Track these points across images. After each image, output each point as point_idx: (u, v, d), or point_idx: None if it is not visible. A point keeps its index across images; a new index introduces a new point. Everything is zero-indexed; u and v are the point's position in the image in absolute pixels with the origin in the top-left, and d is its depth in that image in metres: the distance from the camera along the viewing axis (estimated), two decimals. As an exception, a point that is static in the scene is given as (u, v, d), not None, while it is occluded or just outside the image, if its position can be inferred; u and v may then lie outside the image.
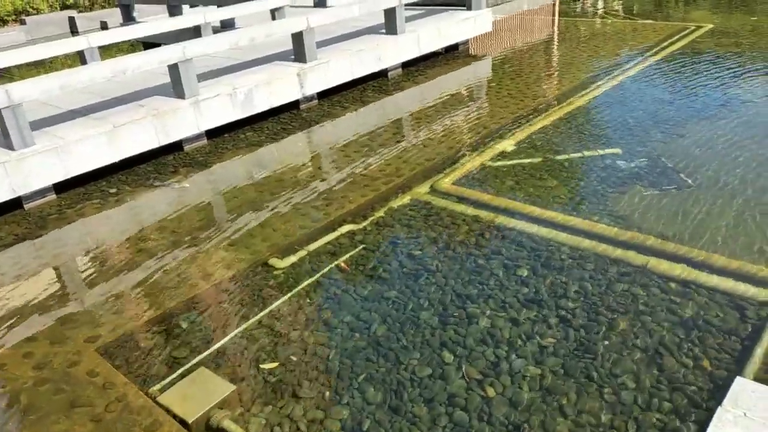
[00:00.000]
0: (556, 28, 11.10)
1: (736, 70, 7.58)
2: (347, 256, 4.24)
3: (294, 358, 3.33)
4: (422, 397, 3.01)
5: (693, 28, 9.98)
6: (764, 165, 4.98)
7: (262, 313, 3.71)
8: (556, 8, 12.76)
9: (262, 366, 3.28)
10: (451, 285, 3.83)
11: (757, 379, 2.87)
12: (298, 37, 7.16)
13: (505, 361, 3.18)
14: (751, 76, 7.28)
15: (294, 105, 7.36)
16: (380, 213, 4.80)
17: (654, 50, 8.75)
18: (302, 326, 3.59)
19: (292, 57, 7.38)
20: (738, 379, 2.51)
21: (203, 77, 6.82)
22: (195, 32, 8.67)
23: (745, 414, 2.25)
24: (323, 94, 7.66)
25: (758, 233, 4.05)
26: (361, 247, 4.35)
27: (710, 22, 10.29)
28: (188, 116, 6.16)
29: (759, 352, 3.00)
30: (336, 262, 4.17)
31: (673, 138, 5.67)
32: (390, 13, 8.07)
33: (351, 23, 9.08)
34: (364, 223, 4.66)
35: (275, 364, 3.29)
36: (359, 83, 8.10)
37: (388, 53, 8.06)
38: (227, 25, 9.88)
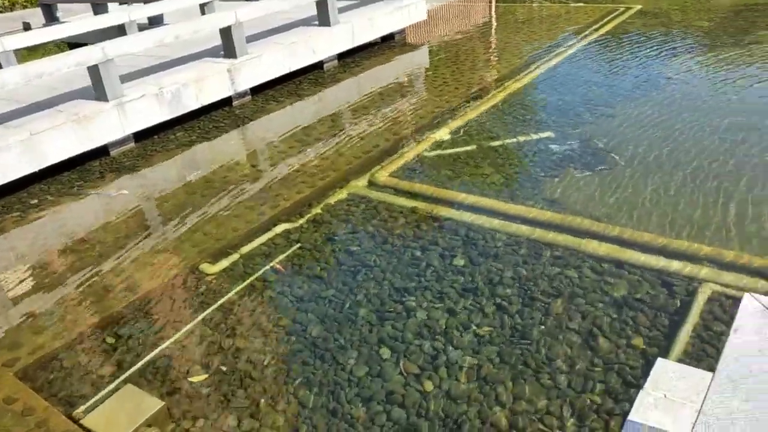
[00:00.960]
0: (493, 14, 11.16)
1: (661, 48, 7.77)
2: (282, 256, 4.13)
3: (224, 368, 3.21)
4: (360, 397, 2.95)
5: (623, 9, 10.19)
6: (685, 139, 5.11)
7: (192, 323, 3.57)
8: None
9: (192, 379, 3.15)
10: (389, 279, 3.77)
11: (688, 353, 2.94)
12: (226, 32, 6.94)
13: (443, 353, 3.15)
14: (675, 54, 7.47)
15: (226, 102, 7.15)
16: (317, 209, 4.70)
17: (585, 33, 8.89)
18: (235, 333, 3.47)
19: (222, 53, 7.16)
20: (659, 361, 2.55)
21: (128, 78, 6.53)
22: (120, 31, 8.32)
23: (665, 395, 2.27)
24: (257, 90, 7.47)
25: (687, 209, 4.14)
26: (296, 246, 4.25)
27: (639, 3, 10.52)
28: (112, 119, 5.89)
29: (687, 328, 3.06)
30: (271, 264, 4.06)
31: (603, 118, 5.76)
32: (322, 5, 7.92)
33: (284, 16, 8.87)
34: (300, 221, 4.56)
35: (205, 376, 3.17)
36: (294, 77, 7.94)
37: (322, 45, 7.92)
38: (156, 21, 9.52)
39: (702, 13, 9.58)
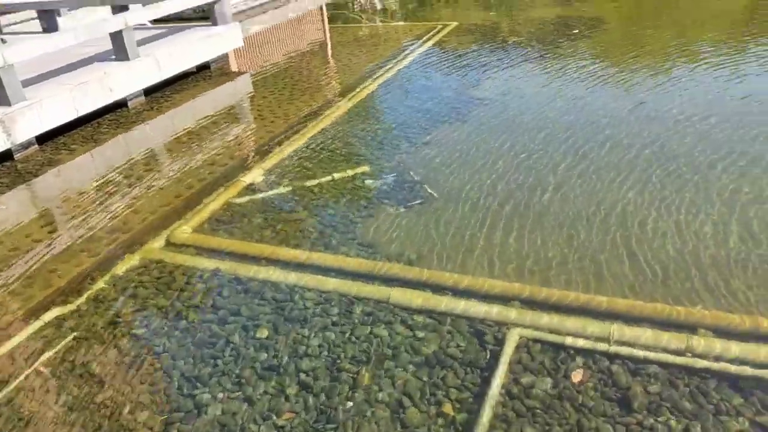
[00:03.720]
0: (318, 37, 10.93)
1: (474, 66, 7.94)
2: (51, 353, 3.43)
3: None
4: None
5: (440, 27, 10.42)
6: (505, 165, 5.11)
7: None
8: (324, 15, 12.62)
9: None
10: (180, 368, 3.23)
11: (497, 416, 2.73)
12: (-5, 76, 5.96)
13: (236, 458, 2.69)
14: (486, 72, 7.66)
15: (6, 156, 6.14)
16: (100, 284, 4.02)
17: (404, 53, 8.91)
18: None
19: (-6, 100, 6.15)
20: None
21: None
22: None
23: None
24: (45, 138, 6.52)
25: (501, 244, 4.04)
26: (71, 336, 3.56)
27: (456, 20, 10.83)
28: None
29: (496, 384, 2.86)
30: (35, 366, 3.34)
31: (418, 147, 5.64)
32: (117, 37, 7.13)
33: (79, 51, 7.92)
34: (78, 302, 3.86)
35: None
36: (93, 119, 7.06)
37: (121, 82, 7.12)
38: None
39: (518, 25, 10.04)
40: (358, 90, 7.43)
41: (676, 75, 7.01)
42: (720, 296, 3.33)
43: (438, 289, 3.59)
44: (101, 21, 6.91)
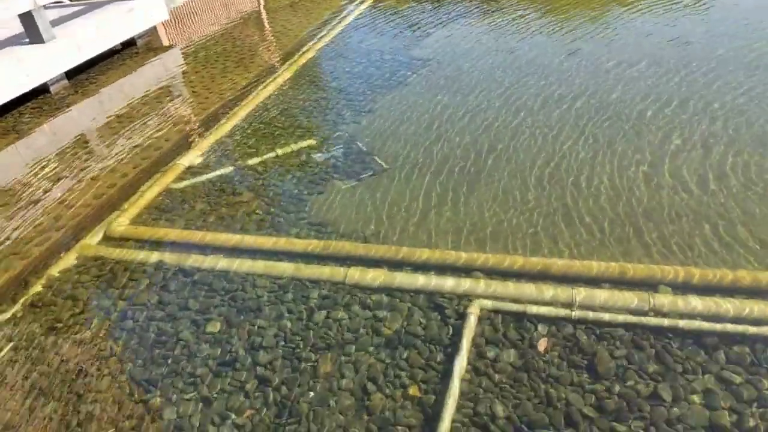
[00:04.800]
0: (251, 5, 10.42)
1: (412, 25, 7.73)
2: (-16, 369, 3.17)
3: None
4: None
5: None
6: (452, 127, 4.99)
7: None
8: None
9: None
10: (129, 372, 3.04)
11: (464, 394, 2.66)
12: None
13: (196, 465, 2.55)
14: (424, 31, 7.46)
15: None
16: (36, 288, 3.74)
17: (341, 16, 8.60)
18: None
19: None
20: None
21: None
22: None
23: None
24: (-40, 132, 6.02)
25: (457, 214, 3.95)
26: (9, 347, 3.31)
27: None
28: None
29: (461, 360, 2.79)
30: (-33, 386, 3.09)
31: (363, 115, 5.45)
32: (27, 19, 6.57)
33: (-11, 33, 7.30)
34: (13, 309, 3.59)
35: None
36: (12, 108, 6.55)
37: (38, 66, 6.59)
38: None
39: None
40: (295, 58, 7.13)
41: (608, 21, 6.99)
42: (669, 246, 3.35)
43: (395, 265, 3.48)
44: (8, 1, 6.34)
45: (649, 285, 3.08)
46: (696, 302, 2.90)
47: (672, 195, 3.78)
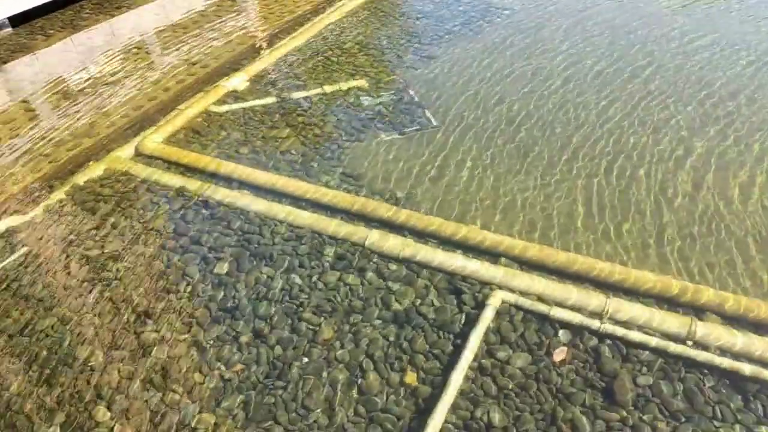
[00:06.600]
0: None
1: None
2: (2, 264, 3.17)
3: None
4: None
5: None
6: (518, 91, 4.58)
7: None
8: None
9: None
10: (129, 300, 2.97)
11: (464, 393, 2.46)
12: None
13: (175, 410, 2.46)
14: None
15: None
16: (59, 194, 3.70)
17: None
18: None
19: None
20: None
21: None
22: None
23: None
24: (20, 19, 5.96)
25: (501, 190, 3.63)
26: (22, 251, 3.29)
27: None
28: None
29: (467, 356, 2.57)
30: (-25, 283, 3.09)
31: (423, 62, 5.07)
32: None
33: None
34: (34, 213, 3.56)
35: None
36: (74, 1, 6.45)
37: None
38: None
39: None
40: (366, -11, 6.70)
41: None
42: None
43: (422, 235, 3.23)
44: None
45: (695, 308, 2.75)
46: (746, 340, 2.55)
47: None
